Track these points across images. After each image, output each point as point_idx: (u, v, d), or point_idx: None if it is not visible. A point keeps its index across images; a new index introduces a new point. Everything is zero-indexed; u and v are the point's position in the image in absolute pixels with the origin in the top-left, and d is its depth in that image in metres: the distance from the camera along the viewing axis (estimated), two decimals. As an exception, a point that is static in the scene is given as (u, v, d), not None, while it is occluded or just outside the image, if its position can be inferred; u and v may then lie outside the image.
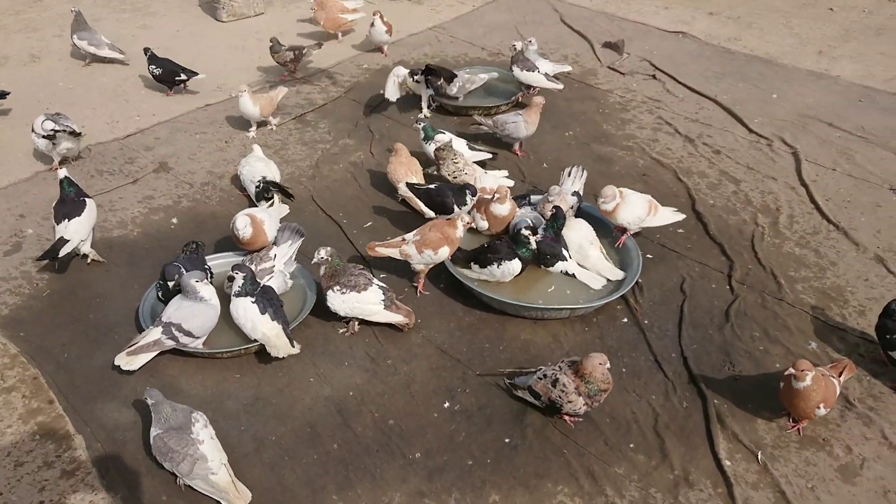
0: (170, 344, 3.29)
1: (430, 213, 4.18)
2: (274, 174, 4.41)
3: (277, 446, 3.02)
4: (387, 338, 3.53)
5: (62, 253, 3.74)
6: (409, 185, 4.21)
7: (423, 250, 3.65)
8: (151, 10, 7.19)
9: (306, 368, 3.37)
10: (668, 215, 4.01)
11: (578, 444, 3.04)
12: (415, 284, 3.81)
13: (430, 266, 3.76)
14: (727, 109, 5.49)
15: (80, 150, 4.75)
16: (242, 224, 3.66)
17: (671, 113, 5.47)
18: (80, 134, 4.62)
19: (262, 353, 3.36)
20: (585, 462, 2.97)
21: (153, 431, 2.86)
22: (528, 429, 3.10)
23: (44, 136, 4.51)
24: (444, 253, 3.67)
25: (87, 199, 3.92)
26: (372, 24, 6.07)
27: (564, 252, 3.74)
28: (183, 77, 5.54)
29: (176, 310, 3.32)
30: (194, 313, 3.31)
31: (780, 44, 6.59)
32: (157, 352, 3.29)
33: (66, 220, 3.78)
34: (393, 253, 3.71)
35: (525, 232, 3.62)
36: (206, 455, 2.78)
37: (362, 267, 3.58)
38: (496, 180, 4.33)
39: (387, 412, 3.18)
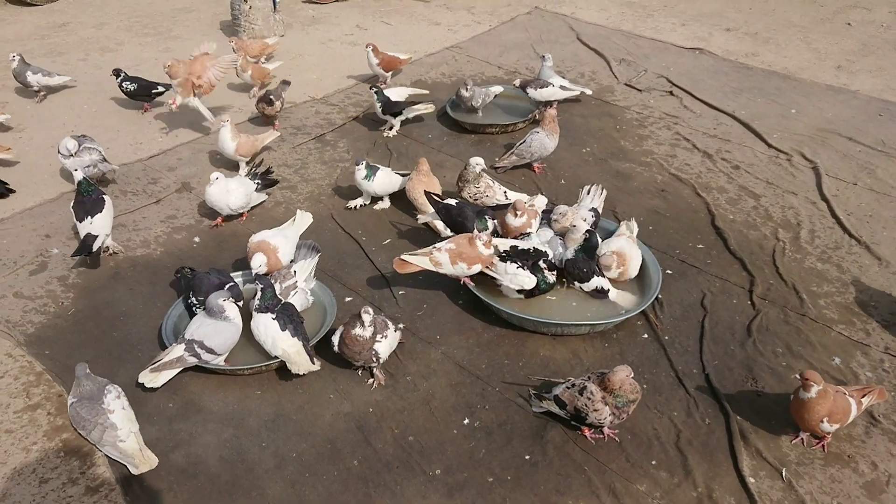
0: (192, 361, 3.32)
1: (445, 231, 4.19)
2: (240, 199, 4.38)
3: (298, 463, 3.03)
4: (405, 354, 3.55)
5: (95, 247, 4.00)
6: (429, 195, 4.16)
7: (457, 262, 3.63)
8: (173, 33, 7.33)
9: (326, 385, 3.39)
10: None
11: (599, 460, 3.02)
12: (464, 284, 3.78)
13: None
14: (745, 124, 5.48)
15: (108, 171, 4.80)
16: (257, 264, 3.65)
17: (689, 129, 5.47)
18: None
19: (282, 370, 3.38)
20: (607, 479, 2.95)
21: (69, 400, 3.12)
22: (549, 445, 3.09)
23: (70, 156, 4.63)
24: (476, 269, 3.68)
25: (104, 197, 4.13)
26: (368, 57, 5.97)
27: (599, 271, 3.72)
28: (160, 89, 5.63)
29: (199, 327, 3.36)
30: (217, 331, 3.35)
31: (797, 59, 6.58)
32: (180, 368, 3.33)
33: (89, 216, 4.01)
34: (423, 262, 3.65)
35: (542, 265, 3.63)
36: (116, 423, 3.01)
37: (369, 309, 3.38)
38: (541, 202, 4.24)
39: (406, 428, 3.18)
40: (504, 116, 5.56)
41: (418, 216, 4.38)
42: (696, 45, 6.81)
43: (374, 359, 3.28)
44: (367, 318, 3.21)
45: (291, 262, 3.81)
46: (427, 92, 5.67)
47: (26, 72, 5.74)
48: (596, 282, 3.70)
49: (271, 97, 5.41)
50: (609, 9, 7.79)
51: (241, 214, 4.49)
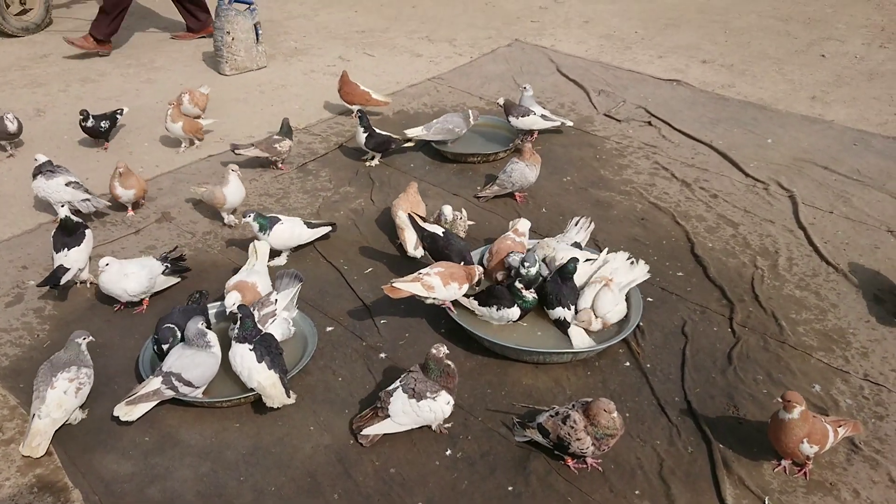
0: (169, 394, 3.27)
1: (413, 252, 4.19)
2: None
3: (277, 497, 2.98)
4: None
5: (63, 280, 3.93)
6: (412, 219, 4.04)
7: (449, 282, 3.62)
8: (156, 64, 7.35)
9: (306, 416, 3.35)
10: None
11: (583, 490, 3.00)
12: (447, 309, 3.74)
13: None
14: (723, 154, 5.56)
15: (101, 207, 4.78)
16: (231, 302, 3.63)
17: (667, 158, 5.54)
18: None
19: (261, 402, 3.33)
20: (590, 509, 2.93)
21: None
22: (532, 476, 3.06)
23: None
24: (465, 289, 3.69)
25: (86, 231, 4.12)
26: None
27: (566, 301, 3.69)
28: (118, 115, 5.62)
29: (177, 359, 3.31)
30: (195, 363, 3.30)
31: (773, 90, 6.71)
32: (157, 401, 3.27)
33: (66, 248, 3.99)
34: (415, 288, 3.60)
35: (518, 285, 3.62)
36: (46, 398, 3.13)
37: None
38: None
39: (388, 460, 3.14)
40: (485, 145, 5.60)
41: (399, 241, 4.37)
42: (673, 77, 6.92)
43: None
44: (440, 350, 3.15)
45: (271, 291, 3.78)
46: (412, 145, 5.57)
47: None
48: (559, 312, 3.68)
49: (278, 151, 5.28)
50: (588, 41, 7.92)
51: (141, 301, 4.00)
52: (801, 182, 5.19)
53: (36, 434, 3.09)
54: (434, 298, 3.66)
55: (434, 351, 3.14)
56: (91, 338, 3.44)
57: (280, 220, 4.23)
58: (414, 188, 4.57)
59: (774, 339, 3.78)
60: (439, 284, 3.62)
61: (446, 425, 3.27)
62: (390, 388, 3.21)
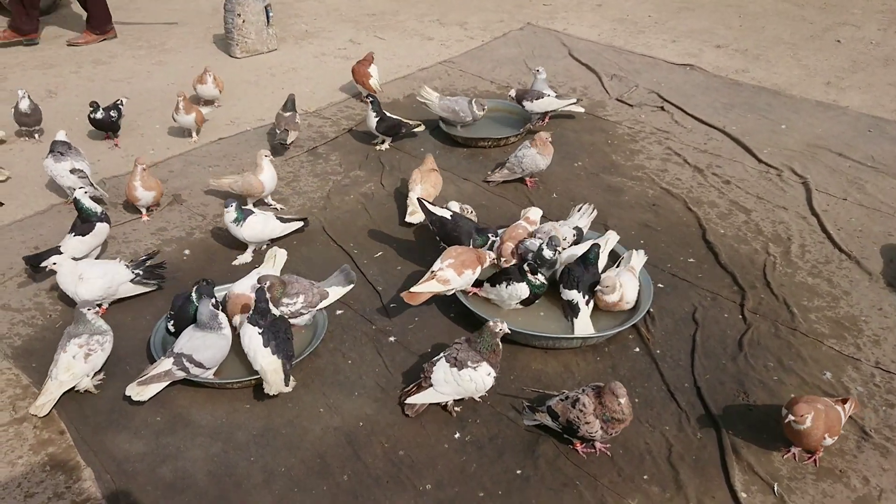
0: (180, 375, 3.29)
1: (409, 218, 4.37)
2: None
3: (287, 478, 3.00)
4: (397, 367, 3.53)
5: (43, 264, 3.76)
6: (421, 203, 4.08)
7: (462, 271, 3.64)
8: (167, 46, 7.34)
9: (316, 399, 3.36)
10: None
11: (591, 474, 3.00)
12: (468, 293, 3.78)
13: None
14: (736, 140, 5.51)
15: (99, 195, 4.63)
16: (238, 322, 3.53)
17: (680, 144, 5.49)
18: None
19: (272, 384, 3.36)
20: (598, 493, 2.93)
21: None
22: (541, 459, 3.07)
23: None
24: (478, 272, 3.72)
25: (98, 224, 4.07)
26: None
27: (583, 287, 3.66)
28: (119, 105, 5.45)
29: (188, 340, 3.33)
30: (206, 344, 3.32)
31: (787, 75, 6.64)
32: (168, 382, 3.29)
33: (71, 234, 4.03)
34: (433, 287, 3.60)
35: (526, 268, 3.62)
36: (58, 361, 3.26)
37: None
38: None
39: (397, 443, 3.15)
40: (497, 130, 5.57)
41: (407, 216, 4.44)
42: (686, 62, 6.86)
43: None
44: (499, 325, 3.18)
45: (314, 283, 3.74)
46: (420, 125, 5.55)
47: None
48: (573, 295, 3.65)
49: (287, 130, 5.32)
50: (601, 25, 7.85)
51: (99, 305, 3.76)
52: (815, 168, 5.14)
53: (44, 394, 3.22)
54: (453, 289, 3.68)
55: (491, 324, 3.16)
56: (97, 308, 3.47)
57: (254, 212, 4.16)
58: (430, 160, 4.68)
59: (786, 325, 3.76)
60: (454, 276, 3.63)
61: (457, 408, 3.28)
62: (434, 358, 3.26)
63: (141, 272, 3.89)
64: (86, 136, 5.57)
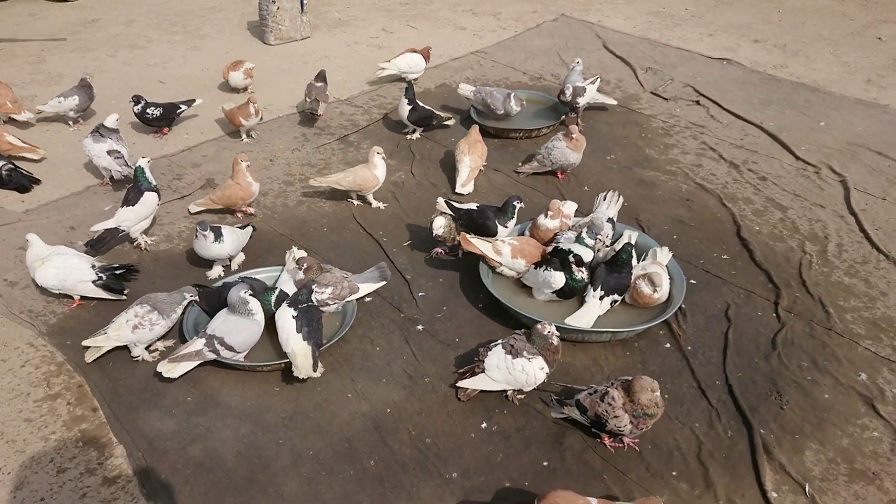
0: (211, 356, 3.32)
1: (461, 189, 4.60)
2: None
3: (315, 461, 3.01)
4: (425, 356, 3.53)
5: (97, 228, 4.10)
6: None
7: (517, 256, 3.70)
8: (202, 32, 7.40)
9: (344, 384, 3.37)
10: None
11: (619, 469, 2.98)
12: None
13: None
14: (773, 136, 5.42)
15: (126, 173, 4.68)
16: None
17: (715, 139, 5.41)
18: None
19: (301, 368, 3.38)
20: (626, 488, 2.91)
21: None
22: (567, 452, 3.05)
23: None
24: (527, 269, 3.76)
25: (147, 193, 4.16)
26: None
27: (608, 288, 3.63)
28: (183, 108, 5.41)
29: (221, 323, 3.36)
30: (238, 328, 3.35)
31: (827, 72, 6.51)
32: (199, 362, 3.33)
33: (123, 204, 4.13)
34: (485, 247, 3.72)
35: (571, 259, 3.58)
36: (116, 318, 3.43)
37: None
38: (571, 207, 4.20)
39: (424, 430, 3.16)
40: (528, 121, 5.53)
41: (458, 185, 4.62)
42: (723, 56, 6.75)
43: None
44: (546, 328, 3.16)
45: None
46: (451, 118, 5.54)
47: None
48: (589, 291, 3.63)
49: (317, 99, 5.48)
50: (636, 17, 7.76)
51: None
52: (854, 167, 5.04)
53: (95, 338, 3.43)
54: (501, 265, 3.73)
55: (539, 327, 3.16)
56: (194, 298, 3.59)
57: (222, 229, 3.95)
58: (476, 131, 4.89)
59: (821, 325, 3.69)
60: (507, 253, 3.71)
61: (519, 395, 3.28)
62: (491, 343, 3.29)
63: (104, 277, 3.77)
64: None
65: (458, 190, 4.71)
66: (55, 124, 5.59)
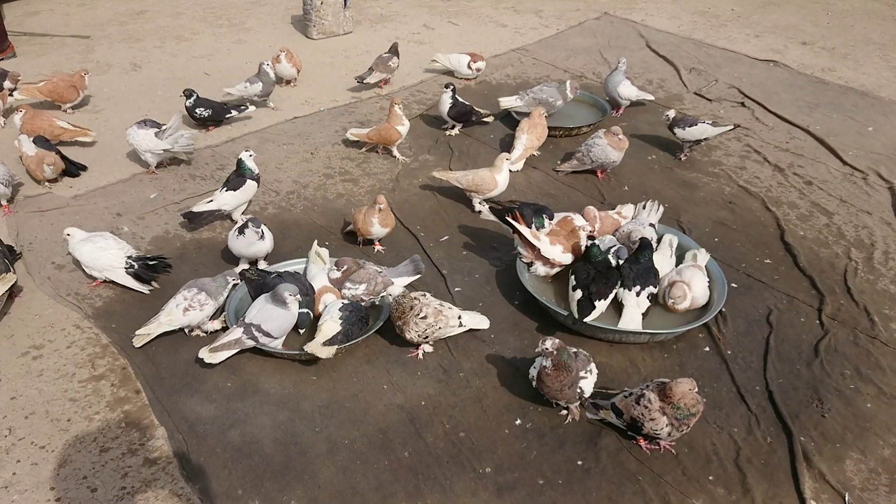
0: (249, 343, 3.37)
1: (515, 167, 4.68)
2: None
3: (350, 450, 3.04)
4: (460, 351, 3.53)
5: (196, 210, 4.29)
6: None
7: (556, 243, 3.75)
8: (247, 25, 7.50)
9: (380, 375, 3.40)
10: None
11: (654, 471, 2.96)
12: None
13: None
14: (820, 140, 5.31)
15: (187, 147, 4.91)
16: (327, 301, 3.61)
17: (760, 141, 5.33)
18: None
19: (337, 359, 3.40)
20: (661, 491, 2.88)
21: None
22: (602, 452, 3.04)
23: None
24: (569, 259, 3.79)
25: (249, 181, 4.33)
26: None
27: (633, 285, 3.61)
28: (233, 113, 5.40)
29: (258, 311, 3.41)
30: (273, 315, 3.39)
31: (876, 76, 6.36)
32: (238, 349, 3.38)
33: (224, 188, 4.32)
34: (525, 230, 3.75)
35: (602, 247, 3.61)
36: (167, 304, 3.52)
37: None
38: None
39: (458, 424, 3.16)
40: (569, 119, 5.51)
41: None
42: (770, 58, 6.64)
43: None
44: (543, 344, 3.06)
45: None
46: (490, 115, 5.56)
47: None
48: (621, 293, 3.62)
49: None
50: (680, 17, 7.66)
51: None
52: (903, 174, 4.93)
53: (147, 326, 3.52)
54: (537, 250, 3.76)
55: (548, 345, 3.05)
56: (238, 281, 3.66)
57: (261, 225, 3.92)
58: (538, 112, 4.95)
59: (865, 333, 3.62)
60: (546, 241, 3.74)
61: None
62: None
63: (136, 265, 3.82)
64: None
65: (510, 168, 4.60)
66: (104, 112, 5.70)
